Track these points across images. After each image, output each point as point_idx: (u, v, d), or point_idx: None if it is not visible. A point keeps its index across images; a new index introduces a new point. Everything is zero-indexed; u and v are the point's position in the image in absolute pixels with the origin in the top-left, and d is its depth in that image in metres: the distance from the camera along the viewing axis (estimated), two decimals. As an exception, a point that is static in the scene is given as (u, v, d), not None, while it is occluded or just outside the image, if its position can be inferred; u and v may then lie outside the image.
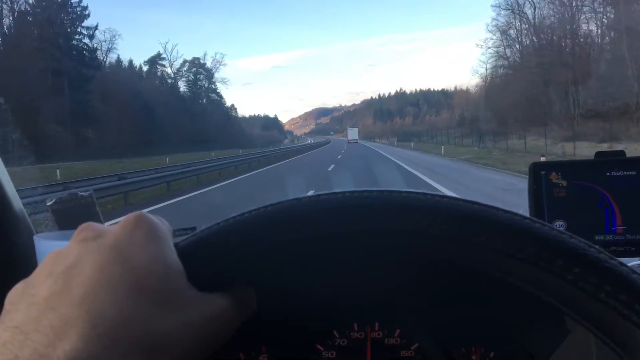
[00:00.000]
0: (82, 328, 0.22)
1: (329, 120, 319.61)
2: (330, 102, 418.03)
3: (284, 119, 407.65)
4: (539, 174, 0.67)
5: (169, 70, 74.82)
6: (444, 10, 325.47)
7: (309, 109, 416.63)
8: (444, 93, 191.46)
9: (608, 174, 0.65)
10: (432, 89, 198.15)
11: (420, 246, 0.28)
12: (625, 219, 0.64)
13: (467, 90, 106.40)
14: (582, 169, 0.66)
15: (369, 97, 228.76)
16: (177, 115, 58.66)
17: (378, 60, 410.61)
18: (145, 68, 71.68)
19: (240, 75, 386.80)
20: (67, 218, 0.63)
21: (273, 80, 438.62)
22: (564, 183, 0.66)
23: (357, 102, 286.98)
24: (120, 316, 0.23)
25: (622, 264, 0.24)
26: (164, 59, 76.16)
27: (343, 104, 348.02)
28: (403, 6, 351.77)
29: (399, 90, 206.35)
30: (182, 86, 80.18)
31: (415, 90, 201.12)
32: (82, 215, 0.63)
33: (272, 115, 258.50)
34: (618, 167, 0.64)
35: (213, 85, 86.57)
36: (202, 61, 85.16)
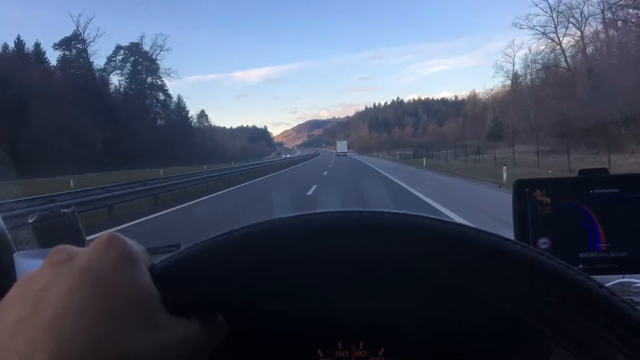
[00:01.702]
0: (49, 352, 0.22)
1: (321, 132, 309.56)
2: (324, 115, 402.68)
3: (277, 131, 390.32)
4: (523, 191, 0.66)
5: (99, 56, 58.82)
6: (436, 25, 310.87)
7: (302, 122, 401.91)
8: (444, 102, 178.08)
9: (591, 191, 0.65)
10: (430, 98, 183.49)
11: (401, 265, 0.28)
12: (609, 237, 0.65)
13: (475, 96, 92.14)
14: (566, 186, 0.66)
15: (363, 109, 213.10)
16: (86, 121, 41.57)
17: (371, 73, 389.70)
18: (63, 54, 53.82)
19: (235, 87, 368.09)
20: (49, 235, 0.62)
21: (266, 93, 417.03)
22: (548, 200, 0.66)
23: (351, 114, 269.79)
24: (89, 339, 0.23)
25: (601, 285, 0.25)
26: (84, 41, 54.59)
27: (337, 117, 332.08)
28: (395, 20, 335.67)
29: (395, 100, 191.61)
30: (118, 81, 61.17)
31: (413, 99, 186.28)
32: (64, 231, 0.62)
33: (262, 127, 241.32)
34: (601, 184, 0.65)
35: (158, 81, 67.58)
36: (142, 48, 65.43)
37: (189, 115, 77.26)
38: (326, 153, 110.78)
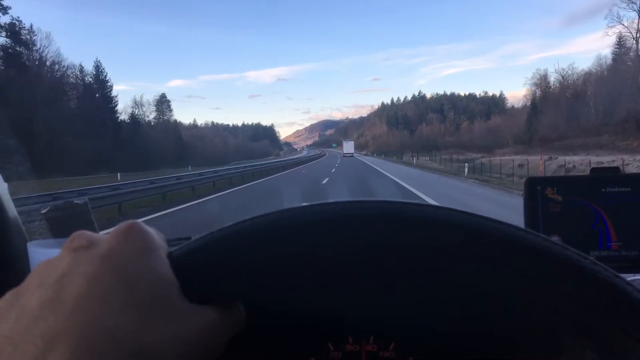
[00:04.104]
0: (72, 339, 0.22)
1: (333, 132, 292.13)
2: (336, 115, 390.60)
3: (289, 131, 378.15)
4: (534, 188, 0.67)
5: None
6: (450, 27, 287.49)
7: (314, 122, 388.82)
8: (472, 98, 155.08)
9: (603, 190, 0.65)
10: (456, 93, 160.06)
11: (412, 258, 0.28)
12: (620, 235, 0.65)
13: (545, 78, 67.61)
14: (577, 185, 0.66)
15: (378, 106, 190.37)
16: None
17: (384, 74, 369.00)
18: None
19: (248, 87, 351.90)
20: (62, 226, 0.63)
21: (279, 94, 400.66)
22: (560, 198, 0.66)
23: (364, 115, 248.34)
24: (111, 327, 0.23)
25: (617, 275, 0.24)
26: None
27: (349, 117, 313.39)
28: (409, 21, 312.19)
29: (417, 95, 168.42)
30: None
31: (437, 93, 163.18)
32: (77, 223, 0.63)
33: (267, 125, 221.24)
34: (613, 183, 0.65)
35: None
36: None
37: (114, 96, 50.19)
38: (334, 154, 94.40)
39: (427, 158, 44.94)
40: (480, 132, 77.43)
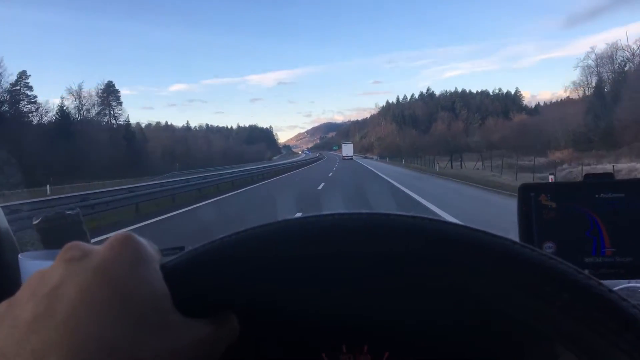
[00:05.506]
0: (64, 352, 0.22)
1: (335, 135, 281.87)
2: (338, 118, 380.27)
3: (291, 134, 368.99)
4: (528, 195, 0.67)
5: None
6: (452, 29, 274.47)
7: (316, 124, 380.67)
8: (486, 95, 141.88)
9: (597, 196, 0.65)
10: (468, 91, 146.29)
11: (408, 268, 0.28)
12: (614, 242, 0.65)
13: (613, 54, 53.73)
14: (571, 191, 0.66)
15: (383, 105, 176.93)
16: None
17: (386, 77, 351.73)
18: None
19: (250, 91, 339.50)
20: (53, 237, 0.62)
21: (280, 97, 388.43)
22: (554, 205, 0.66)
23: (367, 116, 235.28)
24: (104, 340, 0.23)
25: (611, 290, 0.24)
26: None
27: (352, 119, 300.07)
28: (411, 24, 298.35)
29: (425, 92, 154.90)
30: None
31: (446, 90, 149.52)
32: (69, 233, 0.62)
33: (265, 127, 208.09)
34: (607, 189, 0.65)
35: None
36: None
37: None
38: (333, 157, 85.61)
39: (480, 165, 29.58)
40: (510, 131, 64.01)
